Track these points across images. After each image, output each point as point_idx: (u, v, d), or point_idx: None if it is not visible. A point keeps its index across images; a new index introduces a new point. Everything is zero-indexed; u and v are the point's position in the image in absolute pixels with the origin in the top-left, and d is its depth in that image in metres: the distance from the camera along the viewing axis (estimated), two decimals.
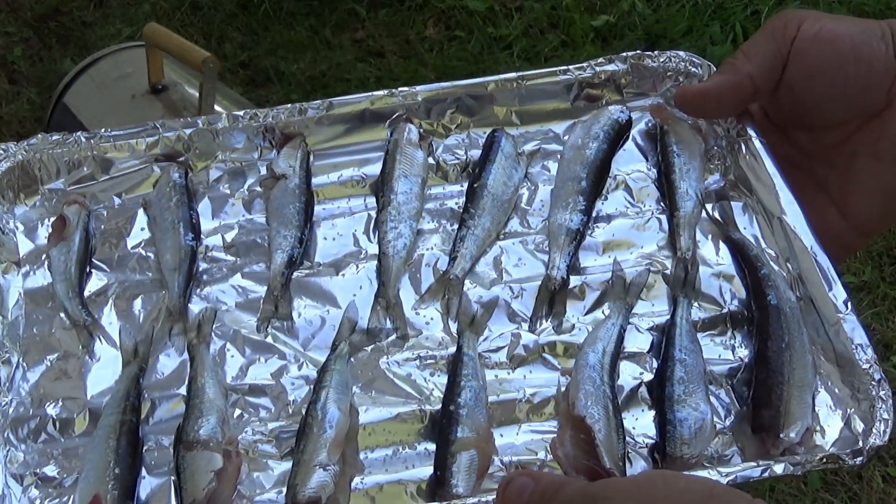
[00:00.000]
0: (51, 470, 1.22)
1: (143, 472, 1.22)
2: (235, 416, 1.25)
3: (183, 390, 1.27)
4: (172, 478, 1.20)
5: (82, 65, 1.88)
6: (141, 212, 1.45)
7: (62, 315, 1.34)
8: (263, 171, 1.47)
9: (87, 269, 1.39)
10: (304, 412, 1.24)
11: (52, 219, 1.43)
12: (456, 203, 1.44)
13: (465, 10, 2.61)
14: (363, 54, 3.22)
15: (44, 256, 1.40)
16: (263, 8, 2.60)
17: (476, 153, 1.48)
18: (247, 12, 2.62)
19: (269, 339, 1.32)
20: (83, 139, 1.47)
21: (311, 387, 1.27)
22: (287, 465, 1.21)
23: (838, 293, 1.26)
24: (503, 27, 3.43)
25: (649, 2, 3.70)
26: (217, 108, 1.73)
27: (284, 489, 1.19)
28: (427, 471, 1.21)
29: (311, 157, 1.48)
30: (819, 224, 1.33)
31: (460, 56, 3.36)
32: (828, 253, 1.30)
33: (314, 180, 1.46)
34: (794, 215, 1.33)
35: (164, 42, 1.75)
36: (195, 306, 1.35)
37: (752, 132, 1.40)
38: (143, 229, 1.43)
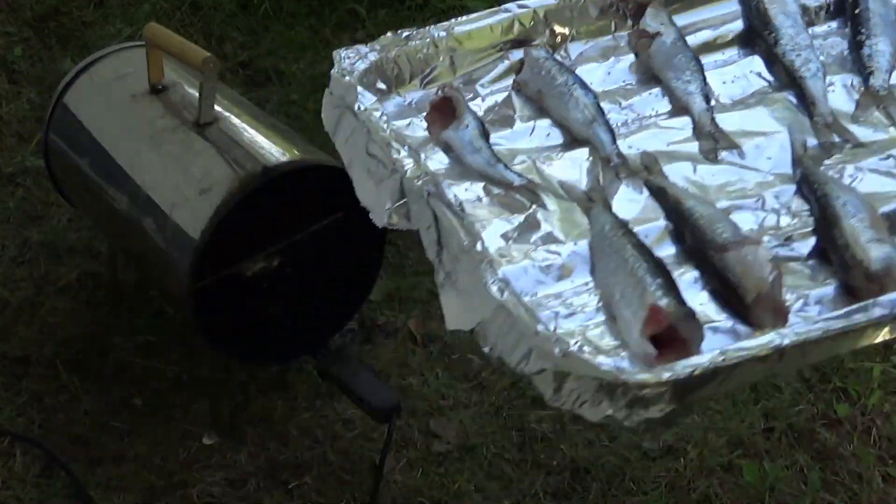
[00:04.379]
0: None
1: None
2: None
3: (661, 220, 1.21)
4: None
5: (82, 65, 1.84)
6: (514, 94, 1.37)
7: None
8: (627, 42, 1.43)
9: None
10: None
11: (428, 109, 1.33)
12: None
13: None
14: None
15: (430, 145, 1.31)
16: (263, 8, 2.54)
17: None
18: (247, 12, 2.56)
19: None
20: (435, 34, 1.40)
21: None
22: None
23: None
24: None
25: None
26: (217, 108, 1.70)
27: None
28: None
29: None
30: None
31: None
32: None
33: None
34: None
35: (164, 42, 1.73)
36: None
37: None
38: (524, 106, 1.36)
